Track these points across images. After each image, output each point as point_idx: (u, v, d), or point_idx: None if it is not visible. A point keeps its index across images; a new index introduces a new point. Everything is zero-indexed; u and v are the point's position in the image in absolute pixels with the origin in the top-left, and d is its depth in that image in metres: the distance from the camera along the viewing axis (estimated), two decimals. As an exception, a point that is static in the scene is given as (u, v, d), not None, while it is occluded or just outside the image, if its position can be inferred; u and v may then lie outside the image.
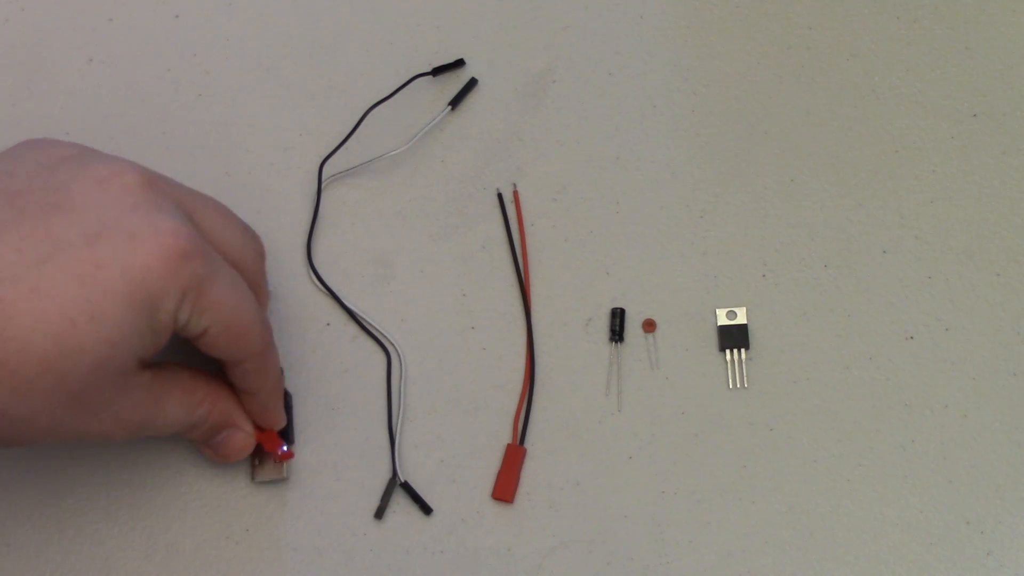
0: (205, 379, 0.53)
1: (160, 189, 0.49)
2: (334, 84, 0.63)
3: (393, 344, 0.59)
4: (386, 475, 0.58)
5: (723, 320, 0.59)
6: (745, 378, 0.59)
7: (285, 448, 0.56)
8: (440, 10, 0.64)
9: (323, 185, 0.61)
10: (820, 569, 0.57)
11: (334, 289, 0.60)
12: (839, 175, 0.62)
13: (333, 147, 0.61)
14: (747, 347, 0.59)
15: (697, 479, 0.58)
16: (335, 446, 0.58)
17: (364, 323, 0.59)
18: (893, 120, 0.62)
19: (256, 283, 0.54)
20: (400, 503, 0.57)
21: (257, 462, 0.57)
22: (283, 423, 0.56)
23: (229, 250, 0.52)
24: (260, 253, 0.55)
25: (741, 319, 0.59)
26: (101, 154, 0.50)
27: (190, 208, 0.50)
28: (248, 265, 0.53)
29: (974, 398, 0.59)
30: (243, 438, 0.55)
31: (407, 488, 0.57)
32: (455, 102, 0.62)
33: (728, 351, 0.59)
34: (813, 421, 0.58)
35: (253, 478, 0.57)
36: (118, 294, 0.46)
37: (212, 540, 0.57)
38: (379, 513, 0.57)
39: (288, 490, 0.57)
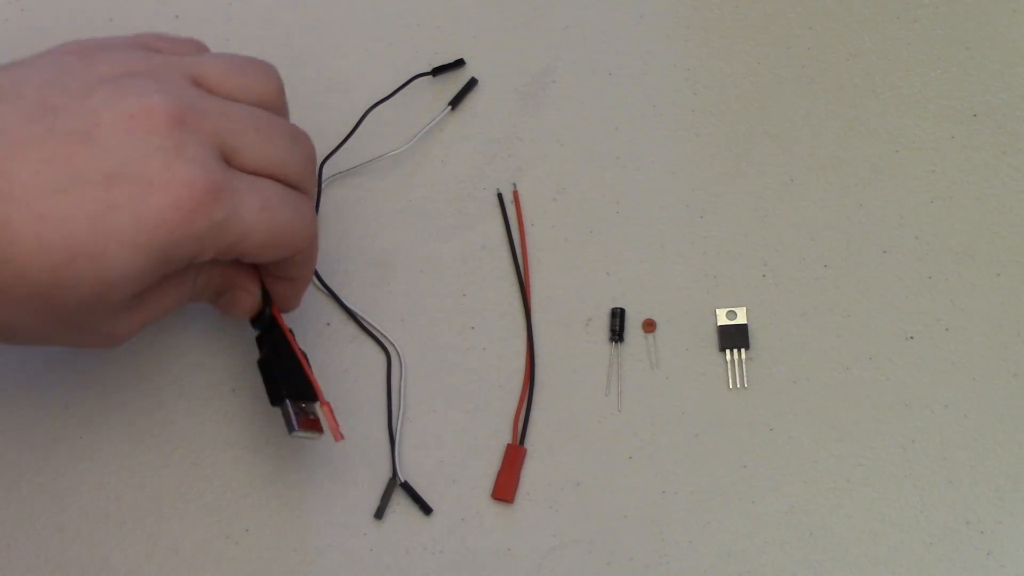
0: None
1: (190, 126, 0.48)
2: (334, 84, 0.63)
3: (393, 344, 0.59)
4: (386, 475, 0.58)
5: (723, 320, 0.59)
6: (745, 378, 0.59)
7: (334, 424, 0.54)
8: (440, 10, 0.64)
9: (323, 185, 0.61)
10: (820, 569, 0.57)
11: (334, 289, 0.60)
12: (839, 175, 0.62)
13: (333, 147, 0.61)
14: (747, 347, 0.59)
15: (697, 479, 0.58)
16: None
17: (364, 323, 0.59)
18: (893, 120, 0.62)
19: (303, 184, 0.53)
20: (400, 503, 0.57)
21: (298, 411, 0.54)
22: (298, 303, 0.56)
23: (270, 164, 0.51)
24: (309, 156, 0.53)
25: (741, 319, 0.59)
26: (139, 81, 0.49)
27: (225, 136, 0.49)
28: (292, 172, 0.52)
29: (974, 398, 0.59)
30: (248, 298, 0.54)
31: (407, 488, 0.57)
32: (455, 102, 0.62)
33: (728, 351, 0.59)
34: (813, 421, 0.58)
35: (295, 428, 0.54)
36: (125, 238, 0.46)
37: (212, 540, 0.57)
38: (379, 513, 0.57)
39: (288, 490, 0.57)
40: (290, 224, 0.51)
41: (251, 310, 0.55)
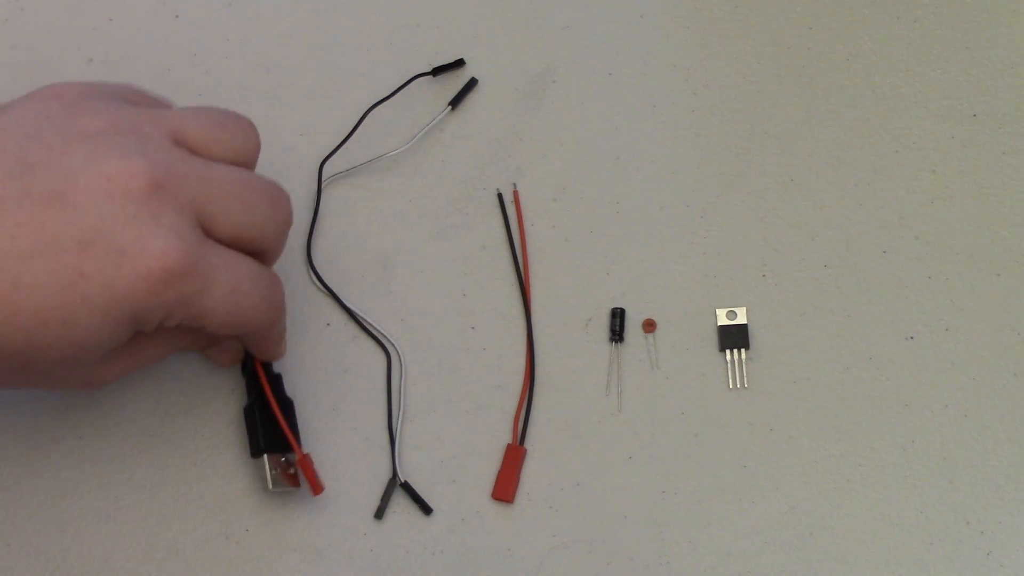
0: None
1: (169, 193, 0.48)
2: (334, 84, 0.63)
3: (393, 344, 0.59)
4: (386, 475, 0.58)
5: (723, 320, 0.59)
6: (745, 378, 0.59)
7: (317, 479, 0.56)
8: (440, 10, 0.64)
9: (323, 185, 0.61)
10: (820, 569, 0.57)
11: (334, 289, 0.60)
12: (839, 175, 0.62)
13: (333, 147, 0.61)
14: (747, 347, 0.59)
15: (697, 479, 0.58)
16: (335, 446, 0.58)
17: (364, 323, 0.59)
18: (893, 120, 0.62)
19: (274, 251, 0.53)
20: (400, 503, 0.57)
21: (274, 471, 0.56)
22: (280, 354, 0.57)
23: (247, 233, 0.51)
24: (286, 221, 0.53)
25: (741, 319, 0.59)
26: (120, 140, 0.48)
27: (203, 203, 0.49)
28: (269, 237, 0.52)
29: (974, 398, 0.59)
30: (231, 354, 0.57)
31: (407, 488, 0.57)
32: (455, 102, 0.62)
33: (728, 351, 0.59)
34: (813, 421, 0.58)
35: (270, 487, 0.56)
36: (96, 306, 0.46)
37: (212, 540, 0.57)
38: (379, 513, 0.57)
39: (288, 490, 0.57)
40: (256, 307, 0.51)
41: (236, 362, 0.57)
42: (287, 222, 0.53)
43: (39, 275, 0.46)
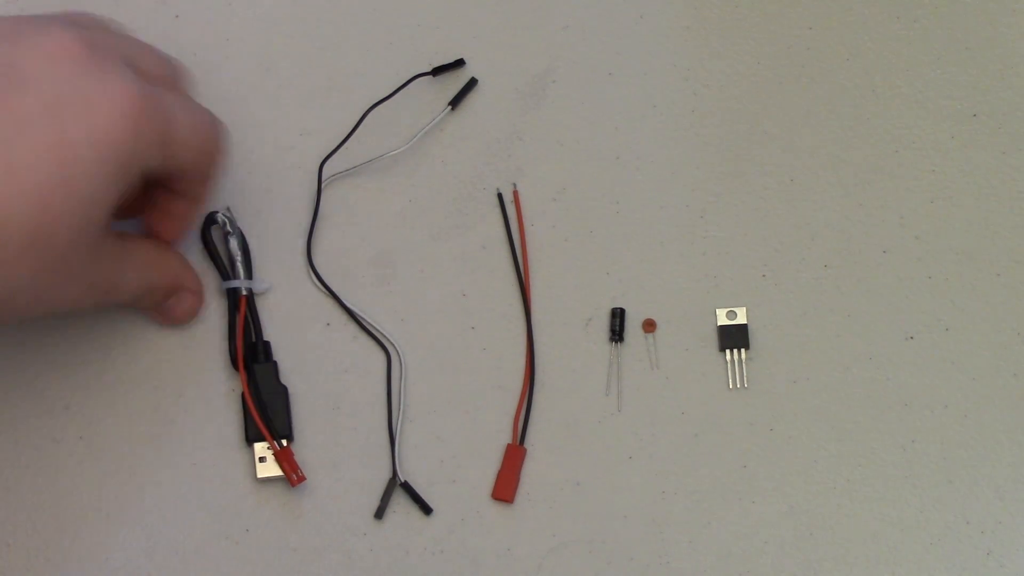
0: (155, 245, 0.56)
1: (102, 49, 0.50)
2: (334, 84, 0.63)
3: (393, 344, 0.59)
4: (386, 475, 0.58)
5: (723, 320, 0.59)
6: (745, 378, 0.59)
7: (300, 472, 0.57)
8: (440, 10, 0.64)
9: (323, 185, 0.61)
10: (820, 569, 0.57)
11: (334, 289, 0.60)
12: (839, 175, 0.62)
13: (333, 147, 0.61)
14: (747, 347, 0.59)
15: (697, 479, 0.58)
16: (335, 446, 0.58)
17: (364, 323, 0.59)
18: (893, 120, 0.62)
19: (185, 87, 0.56)
20: (400, 503, 0.57)
21: (260, 460, 0.57)
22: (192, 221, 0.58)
23: (171, 77, 0.55)
24: (183, 72, 0.57)
25: (741, 319, 0.59)
26: (36, 23, 0.51)
27: (130, 55, 0.52)
28: (186, 83, 0.56)
29: (974, 398, 0.59)
30: (192, 299, 0.58)
31: (407, 488, 0.57)
32: (455, 102, 0.62)
33: (728, 351, 0.59)
34: (813, 421, 0.58)
35: (257, 476, 0.57)
36: (87, 161, 0.48)
37: (212, 540, 0.57)
38: (379, 513, 0.57)
39: (288, 490, 0.57)
40: (213, 122, 0.54)
41: (193, 312, 0.58)
42: (186, 72, 0.56)
43: (26, 153, 0.47)
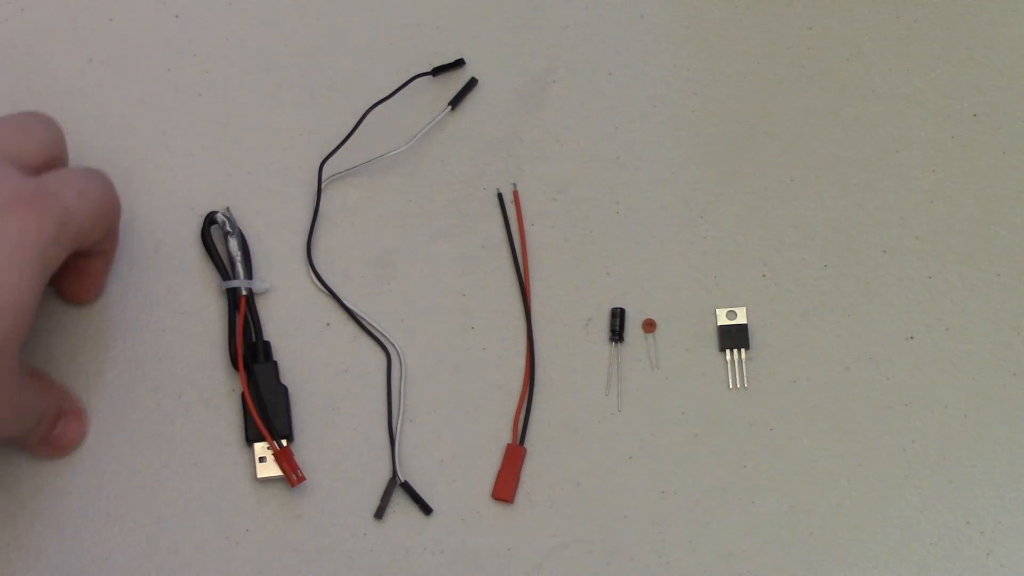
0: (32, 371, 0.57)
1: None
2: (334, 84, 0.63)
3: (393, 344, 0.59)
4: (386, 475, 0.58)
5: (723, 320, 0.59)
6: (745, 378, 0.59)
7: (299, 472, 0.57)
8: (440, 10, 0.64)
9: (323, 185, 0.61)
10: (820, 569, 0.57)
11: (334, 289, 0.60)
12: (839, 175, 0.62)
13: (333, 147, 0.61)
14: (747, 347, 0.59)
15: (697, 479, 0.58)
16: (335, 446, 0.58)
17: (364, 323, 0.59)
18: (893, 120, 0.62)
19: (65, 158, 0.56)
20: (400, 503, 0.57)
21: (260, 460, 0.57)
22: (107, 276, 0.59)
23: (46, 157, 0.54)
24: (60, 140, 0.56)
25: (741, 319, 0.59)
26: None
27: (9, 153, 0.52)
28: (61, 154, 0.55)
29: (974, 398, 0.59)
30: (77, 423, 0.57)
31: (407, 488, 0.57)
32: (455, 102, 0.62)
33: (728, 351, 0.59)
34: (813, 421, 0.58)
35: (257, 475, 0.57)
36: (9, 264, 0.48)
37: (212, 540, 0.57)
38: (379, 513, 0.57)
39: (288, 490, 0.57)
40: (99, 180, 0.54)
41: (81, 436, 0.57)
42: (61, 135, 0.55)
43: None
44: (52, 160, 0.54)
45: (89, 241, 0.54)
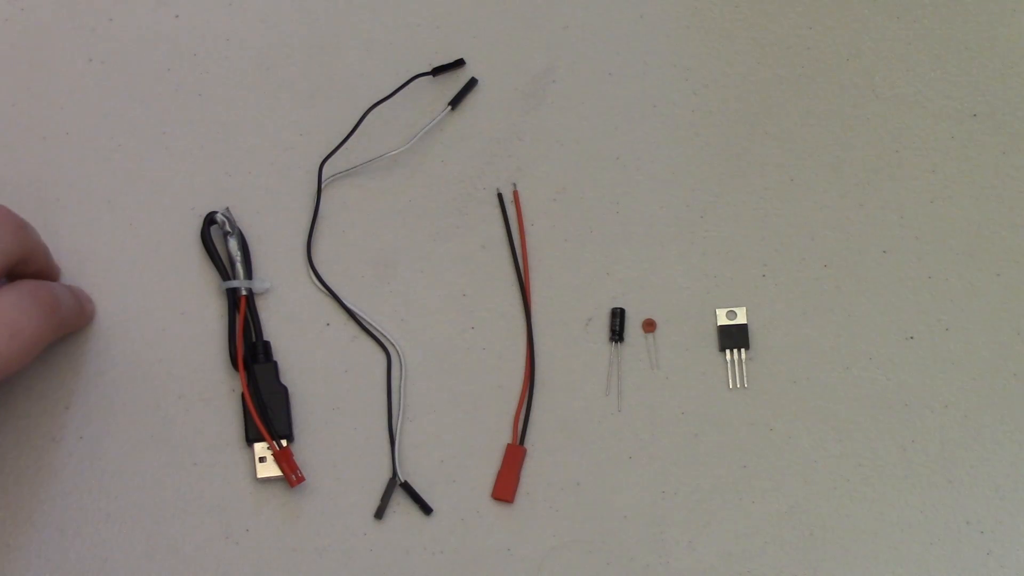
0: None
1: None
2: (334, 84, 0.63)
3: (393, 344, 0.59)
4: (386, 475, 0.58)
5: (723, 320, 0.60)
6: (745, 378, 0.59)
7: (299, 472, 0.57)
8: (440, 10, 0.64)
9: (323, 185, 0.61)
10: (820, 569, 0.57)
11: (334, 289, 0.60)
12: (839, 175, 0.62)
13: (333, 147, 0.61)
14: (747, 347, 0.59)
15: (697, 479, 0.58)
16: (335, 446, 0.58)
17: (364, 323, 0.60)
18: (893, 120, 0.62)
19: (37, 259, 0.55)
20: (400, 503, 0.57)
21: (260, 460, 0.57)
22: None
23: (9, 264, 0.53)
24: (24, 232, 0.55)
25: (741, 319, 0.59)
26: None
27: None
28: (40, 259, 0.56)
29: (974, 398, 0.59)
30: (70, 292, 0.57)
31: (407, 488, 0.57)
32: (455, 102, 0.62)
33: (728, 351, 0.59)
34: (813, 421, 0.58)
35: (257, 475, 0.57)
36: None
37: (212, 540, 0.57)
38: (379, 513, 0.57)
39: (288, 490, 0.57)
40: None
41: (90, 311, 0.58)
42: (22, 227, 0.54)
43: None
44: (15, 265, 0.53)
45: (22, 266, 0.54)
